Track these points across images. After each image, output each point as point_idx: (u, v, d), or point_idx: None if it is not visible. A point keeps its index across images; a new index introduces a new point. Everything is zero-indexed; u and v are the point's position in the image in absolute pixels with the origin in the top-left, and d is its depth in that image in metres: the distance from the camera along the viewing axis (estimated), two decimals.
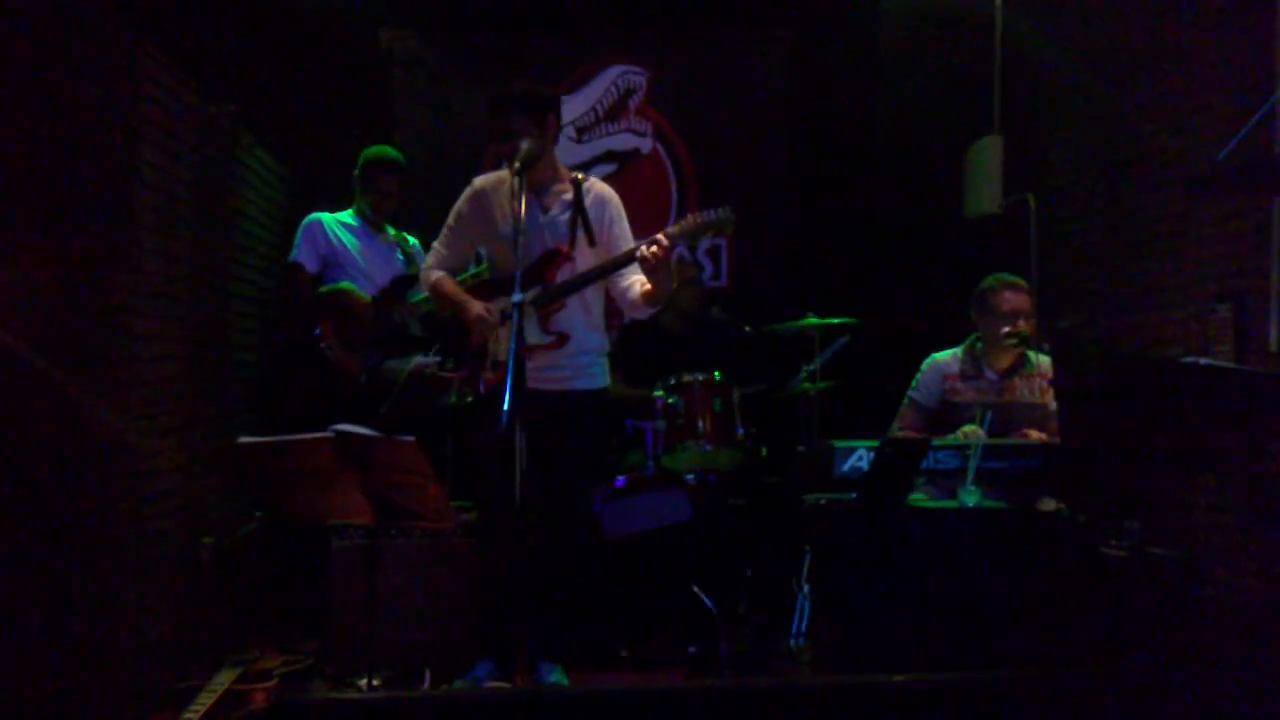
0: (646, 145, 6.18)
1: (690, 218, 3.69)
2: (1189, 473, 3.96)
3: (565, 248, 3.83)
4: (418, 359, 4.66)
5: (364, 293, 4.79)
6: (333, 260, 4.83)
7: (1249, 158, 3.51)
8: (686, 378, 4.61)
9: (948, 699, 2.30)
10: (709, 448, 4.54)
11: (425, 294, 4.34)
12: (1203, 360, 3.51)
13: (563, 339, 3.82)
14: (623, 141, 6.18)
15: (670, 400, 4.58)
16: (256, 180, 5.19)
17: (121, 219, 3.48)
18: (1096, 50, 4.88)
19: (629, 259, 3.73)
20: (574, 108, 6.12)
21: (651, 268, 3.64)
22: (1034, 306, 4.24)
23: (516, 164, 3.64)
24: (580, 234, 3.86)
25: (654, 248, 3.61)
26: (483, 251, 4.14)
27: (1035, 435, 4.06)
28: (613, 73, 6.17)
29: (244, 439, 3.67)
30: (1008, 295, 4.18)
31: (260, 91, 5.11)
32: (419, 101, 6.05)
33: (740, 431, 4.63)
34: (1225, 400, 3.26)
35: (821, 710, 2.29)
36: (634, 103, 6.17)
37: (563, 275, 3.85)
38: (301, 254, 4.85)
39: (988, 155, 5.28)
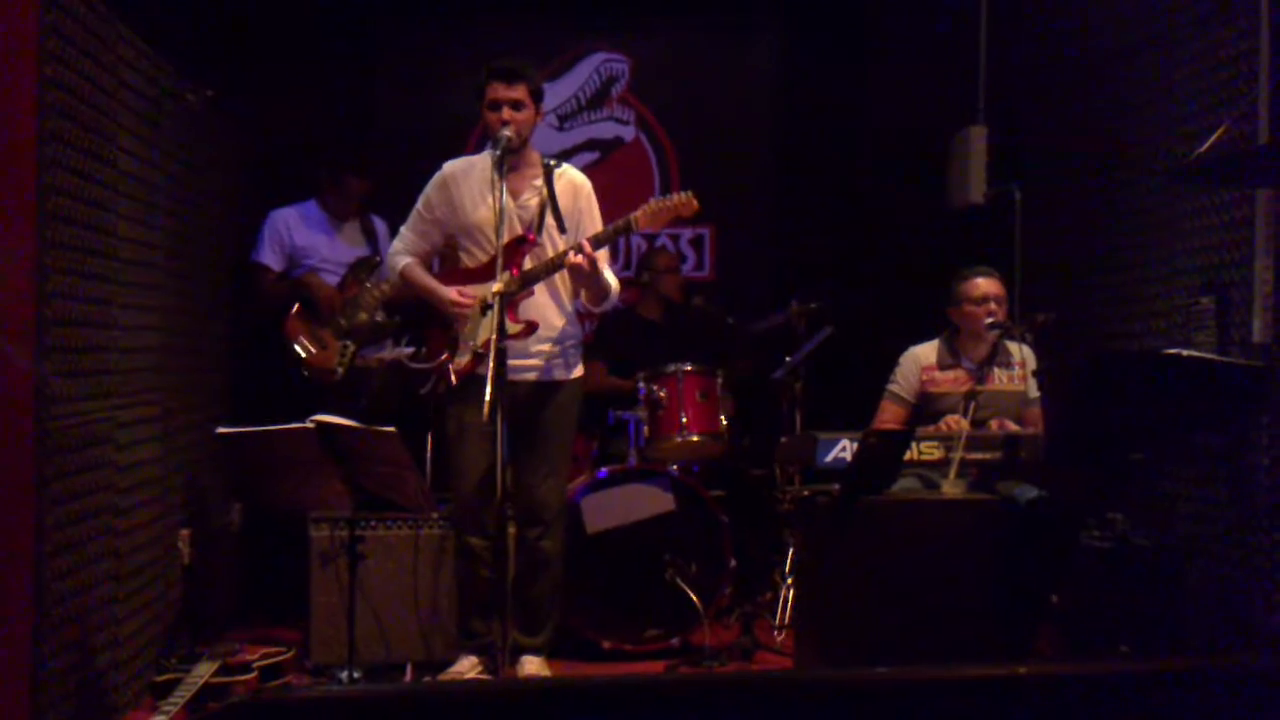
0: (629, 134, 6.15)
1: (650, 203, 3.70)
2: (1172, 464, 3.97)
3: (532, 234, 3.81)
4: (395, 349, 4.63)
5: (328, 283, 4.75)
6: (297, 257, 4.77)
7: (1233, 149, 3.51)
8: (669, 368, 4.60)
9: (931, 692, 2.29)
10: (692, 438, 4.53)
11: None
12: (1185, 352, 3.52)
13: (531, 326, 3.80)
14: (605, 130, 6.15)
15: (653, 391, 4.56)
16: (234, 168, 5.13)
17: (99, 206, 3.44)
18: (1080, 41, 4.87)
19: (560, 264, 3.74)
20: (555, 95, 6.08)
21: (577, 275, 3.72)
22: (1006, 294, 4.26)
23: (498, 152, 3.63)
24: (550, 220, 3.85)
25: (579, 255, 3.64)
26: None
27: (1011, 426, 4.06)
28: (594, 60, 6.13)
29: (223, 429, 3.64)
30: (979, 281, 4.22)
31: (239, 78, 5.05)
32: (400, 87, 6.00)
33: (723, 422, 4.62)
34: (1208, 391, 3.27)
35: (804, 702, 2.27)
36: (616, 91, 6.13)
37: (530, 262, 3.85)
38: (265, 253, 4.78)
39: (971, 146, 5.27)
